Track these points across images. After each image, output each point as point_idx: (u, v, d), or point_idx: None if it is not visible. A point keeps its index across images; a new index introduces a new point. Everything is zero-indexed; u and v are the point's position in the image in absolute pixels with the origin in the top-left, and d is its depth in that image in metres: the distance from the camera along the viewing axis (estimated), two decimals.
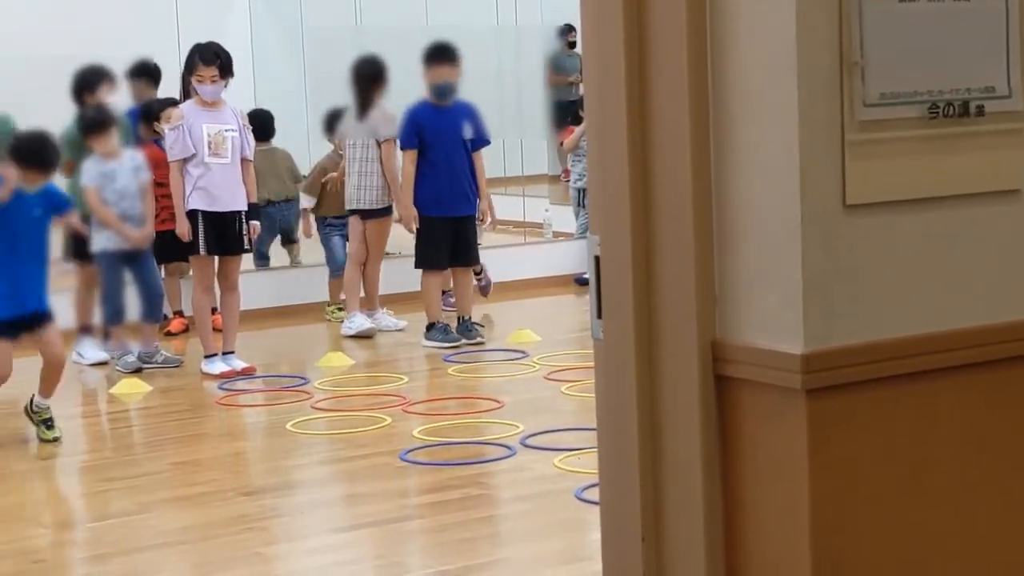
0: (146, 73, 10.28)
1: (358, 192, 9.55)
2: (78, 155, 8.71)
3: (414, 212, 9.16)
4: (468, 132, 9.25)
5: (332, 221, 10.17)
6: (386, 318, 9.89)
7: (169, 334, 9.77)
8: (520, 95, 13.39)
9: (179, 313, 9.98)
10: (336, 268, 10.23)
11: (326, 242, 10.35)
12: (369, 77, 9.51)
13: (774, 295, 2.15)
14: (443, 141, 9.14)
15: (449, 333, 9.26)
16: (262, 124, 10.53)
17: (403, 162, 9.30)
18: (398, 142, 9.38)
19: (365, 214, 9.60)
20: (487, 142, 9.53)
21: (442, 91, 9.17)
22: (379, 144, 9.48)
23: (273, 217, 10.45)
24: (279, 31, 13.77)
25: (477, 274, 10.45)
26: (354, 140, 9.58)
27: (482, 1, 13.30)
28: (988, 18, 2.21)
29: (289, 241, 10.89)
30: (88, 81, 8.98)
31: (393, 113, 9.49)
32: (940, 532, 2.25)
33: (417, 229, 9.26)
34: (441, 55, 9.20)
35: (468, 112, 9.31)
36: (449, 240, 9.23)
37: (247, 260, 10.29)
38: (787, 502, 2.17)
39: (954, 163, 2.21)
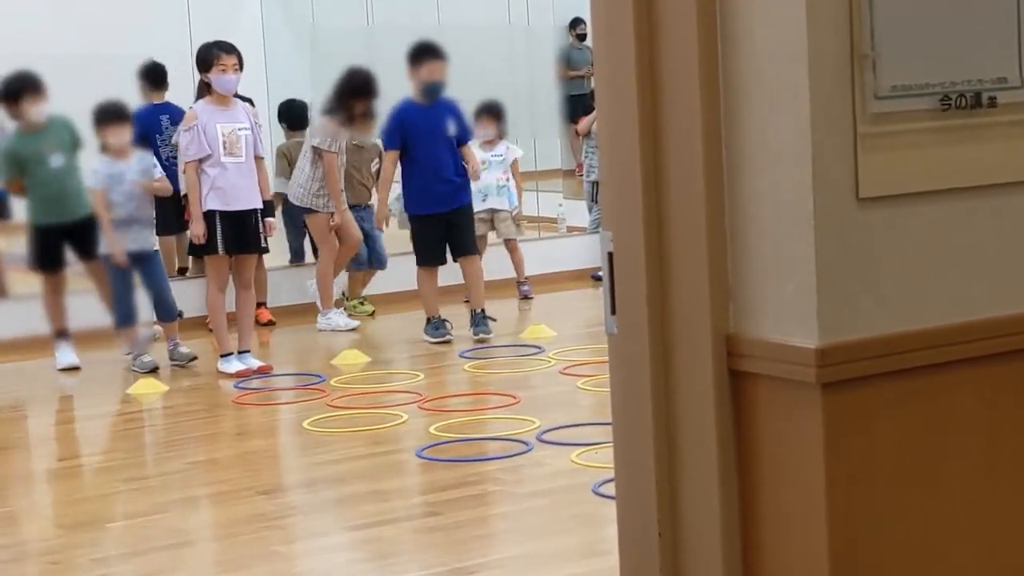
0: (145, 76, 10.30)
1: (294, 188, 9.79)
2: (18, 171, 8.74)
3: (385, 212, 9.36)
4: (452, 129, 9.27)
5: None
6: (339, 318, 9.90)
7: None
8: (532, 92, 13.40)
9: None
10: (377, 263, 10.31)
11: None
12: (356, 90, 9.57)
13: (788, 290, 2.14)
14: (427, 139, 9.17)
15: (440, 329, 9.26)
16: (297, 114, 10.62)
17: (384, 162, 9.35)
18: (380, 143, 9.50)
19: (305, 211, 9.79)
20: (470, 137, 9.63)
21: (432, 89, 9.19)
22: (321, 153, 9.58)
23: (296, 214, 10.41)
24: (291, 30, 13.78)
25: (522, 283, 10.82)
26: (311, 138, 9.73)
27: (493, 0, 13.30)
28: (999, 8, 2.20)
29: None
30: (13, 90, 8.84)
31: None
32: (958, 526, 2.24)
33: (412, 229, 9.37)
34: (429, 53, 9.22)
35: (451, 109, 9.35)
36: (442, 236, 9.25)
37: (281, 257, 10.37)
38: (803, 496, 2.16)
39: (967, 154, 2.20)
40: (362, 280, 10.42)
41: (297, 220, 10.33)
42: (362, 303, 10.34)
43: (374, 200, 10.02)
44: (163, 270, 9.03)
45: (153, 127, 10.08)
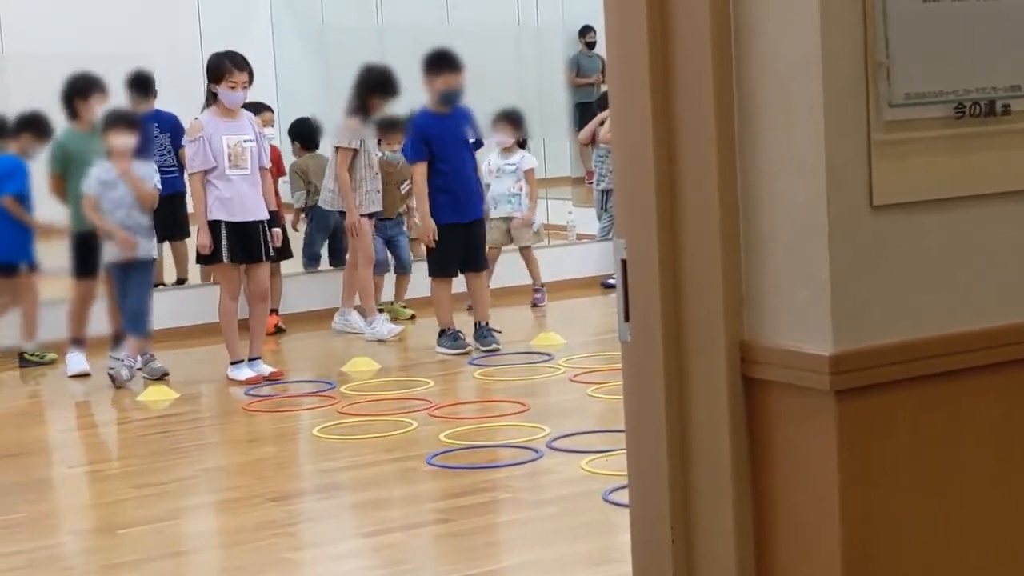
0: (137, 84, 10.30)
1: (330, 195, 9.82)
2: (64, 167, 8.74)
3: (432, 225, 9.07)
4: (470, 135, 9.27)
5: (378, 223, 10.11)
6: (383, 327, 9.89)
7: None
8: (541, 96, 13.39)
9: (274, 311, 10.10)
10: (399, 267, 10.39)
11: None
12: (373, 86, 9.60)
13: (802, 296, 2.14)
14: (450, 148, 9.10)
15: (459, 340, 9.19)
16: (308, 133, 10.64)
17: (414, 175, 9.29)
18: (409, 155, 9.46)
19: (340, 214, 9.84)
20: (483, 143, 9.68)
21: (450, 98, 9.14)
22: (337, 149, 9.62)
23: (326, 218, 10.41)
24: (300, 30, 13.79)
25: (536, 290, 10.76)
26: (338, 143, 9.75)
27: (503, 1, 13.30)
28: (1013, 17, 2.20)
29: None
30: (80, 88, 8.93)
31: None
32: (973, 534, 2.24)
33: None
34: (446, 63, 9.16)
35: (466, 115, 9.32)
36: (461, 247, 9.18)
37: (296, 263, 10.39)
38: (817, 504, 2.16)
39: (981, 162, 2.20)
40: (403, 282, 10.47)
41: (326, 224, 10.35)
42: (404, 306, 10.39)
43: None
44: (149, 283, 8.94)
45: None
